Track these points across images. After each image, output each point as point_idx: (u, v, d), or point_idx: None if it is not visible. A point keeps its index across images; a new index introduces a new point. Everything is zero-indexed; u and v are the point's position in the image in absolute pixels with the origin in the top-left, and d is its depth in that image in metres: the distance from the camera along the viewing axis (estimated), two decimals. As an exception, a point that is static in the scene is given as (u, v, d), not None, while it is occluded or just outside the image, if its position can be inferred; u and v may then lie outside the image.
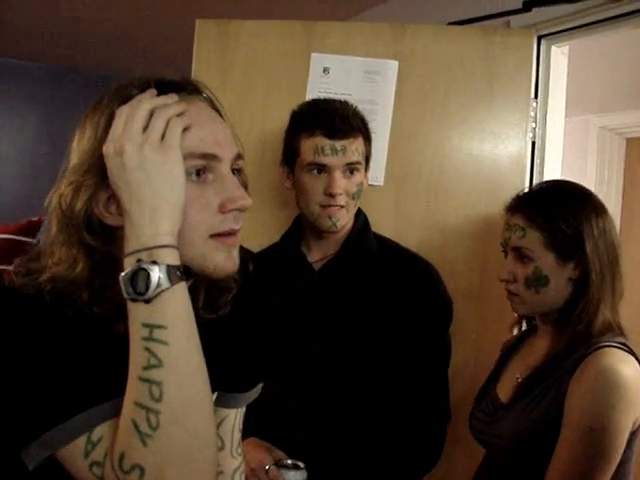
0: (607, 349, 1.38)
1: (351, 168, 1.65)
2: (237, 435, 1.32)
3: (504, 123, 2.03)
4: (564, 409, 1.37)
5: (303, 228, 1.77)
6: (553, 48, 2.13)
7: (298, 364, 1.68)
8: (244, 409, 1.32)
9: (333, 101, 1.72)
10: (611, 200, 3.62)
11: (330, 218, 1.65)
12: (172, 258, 0.88)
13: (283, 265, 1.76)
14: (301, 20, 2.10)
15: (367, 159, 1.71)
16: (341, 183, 1.63)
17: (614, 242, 1.49)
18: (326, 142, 1.62)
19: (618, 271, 1.49)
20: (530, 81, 2.05)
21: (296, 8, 2.94)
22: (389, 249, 1.77)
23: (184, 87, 0.99)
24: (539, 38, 2.12)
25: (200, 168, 0.94)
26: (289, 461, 1.54)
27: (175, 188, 0.89)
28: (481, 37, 2.04)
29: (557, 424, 1.38)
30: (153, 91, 0.94)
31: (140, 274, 0.87)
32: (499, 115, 2.03)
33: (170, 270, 0.87)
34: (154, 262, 0.87)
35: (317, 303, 1.71)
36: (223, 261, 0.97)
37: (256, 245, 1.77)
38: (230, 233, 0.97)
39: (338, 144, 1.62)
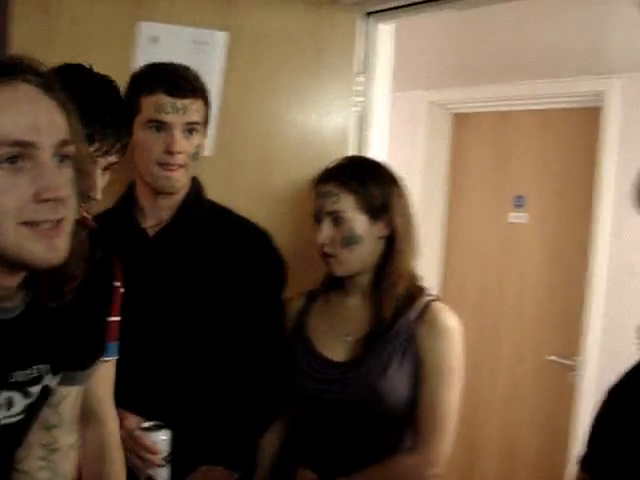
0: (437, 303, 1.68)
1: (190, 128, 1.67)
2: (75, 412, 1.32)
3: (330, 96, 2.08)
4: (421, 359, 1.63)
5: (137, 193, 1.75)
6: (380, 25, 2.19)
7: (137, 333, 1.66)
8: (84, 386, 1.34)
9: (174, 64, 1.73)
10: (438, 170, 3.81)
11: (169, 178, 1.66)
12: None
13: (116, 231, 1.73)
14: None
15: (206, 122, 1.73)
16: (181, 142, 1.64)
17: (410, 207, 1.74)
18: (167, 100, 1.63)
19: (415, 231, 1.72)
20: (356, 56, 2.10)
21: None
22: (222, 214, 1.81)
23: (5, 67, 0.95)
24: (366, 15, 2.16)
25: (14, 155, 0.90)
26: (151, 423, 1.56)
27: None
28: (309, 11, 2.08)
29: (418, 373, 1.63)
30: None
31: None
32: (325, 88, 2.09)
33: None
34: None
35: (152, 270, 1.71)
36: (42, 251, 0.94)
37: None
38: (47, 223, 0.94)
39: (179, 102, 1.64)
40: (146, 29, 2.00)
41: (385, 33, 2.22)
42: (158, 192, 1.70)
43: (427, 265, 1.81)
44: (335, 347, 1.71)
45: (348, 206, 1.65)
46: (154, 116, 1.64)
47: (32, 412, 1.17)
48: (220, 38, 2.01)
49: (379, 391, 1.61)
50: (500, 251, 3.64)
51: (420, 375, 1.63)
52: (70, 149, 0.98)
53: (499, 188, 3.65)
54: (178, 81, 1.65)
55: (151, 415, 1.59)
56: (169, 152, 1.64)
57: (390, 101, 2.28)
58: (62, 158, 0.97)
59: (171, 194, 1.70)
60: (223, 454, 1.68)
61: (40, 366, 1.14)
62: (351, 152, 2.12)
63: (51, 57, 1.90)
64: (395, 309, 1.66)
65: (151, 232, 1.73)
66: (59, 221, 0.96)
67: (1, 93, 0.92)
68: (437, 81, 3.67)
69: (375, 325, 1.67)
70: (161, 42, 2.00)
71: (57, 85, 1.00)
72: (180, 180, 1.68)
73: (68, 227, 0.98)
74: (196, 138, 1.69)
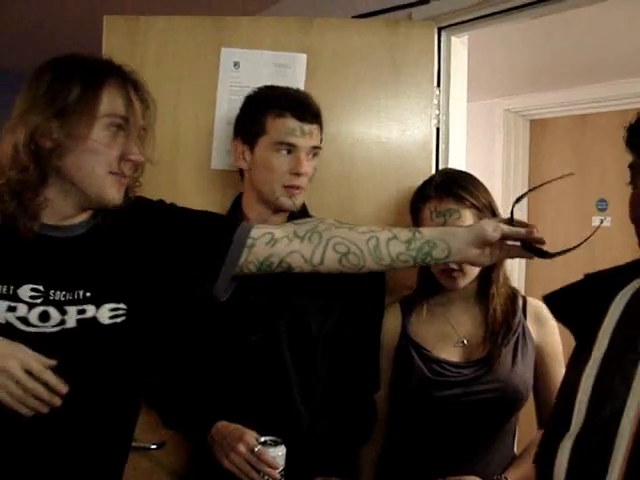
0: (530, 298, 1.83)
1: (314, 152, 1.76)
2: None
3: (409, 111, 2.12)
4: (537, 349, 1.77)
5: (246, 208, 1.83)
6: (453, 39, 2.23)
7: (252, 348, 1.73)
8: None
9: (296, 89, 1.84)
10: (518, 178, 3.79)
11: (291, 197, 1.74)
12: None
13: None
14: (210, 15, 2.13)
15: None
16: (305, 164, 1.72)
17: None
18: (296, 124, 1.71)
19: None
20: (432, 70, 2.14)
21: (205, 2, 2.95)
22: None
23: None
24: (439, 29, 2.20)
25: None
26: (268, 438, 1.59)
27: None
28: (384, 29, 2.12)
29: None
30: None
31: None
32: (404, 104, 2.12)
33: None
34: None
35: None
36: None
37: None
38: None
39: (306, 127, 1.73)
40: (228, 55, 2.08)
41: (458, 46, 2.26)
42: (276, 210, 1.78)
43: (509, 272, 1.83)
44: (452, 352, 1.76)
45: (469, 220, 1.69)
46: (285, 139, 1.71)
47: (76, 347, 1.35)
48: (300, 60, 2.08)
49: (514, 385, 1.69)
50: (584, 255, 3.58)
51: (539, 364, 1.77)
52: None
53: (581, 192, 3.61)
54: (306, 106, 1.74)
55: (265, 430, 1.62)
56: (297, 174, 1.72)
57: (466, 112, 2.30)
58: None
59: (287, 211, 1.78)
60: (333, 465, 1.73)
61: (81, 292, 1.35)
62: (433, 164, 2.16)
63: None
64: (504, 308, 1.75)
65: None
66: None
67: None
68: (513, 88, 3.67)
69: (492, 326, 1.74)
70: (243, 67, 2.08)
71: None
72: (299, 200, 1.76)
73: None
74: (314, 161, 1.77)
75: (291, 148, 1.72)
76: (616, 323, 1.07)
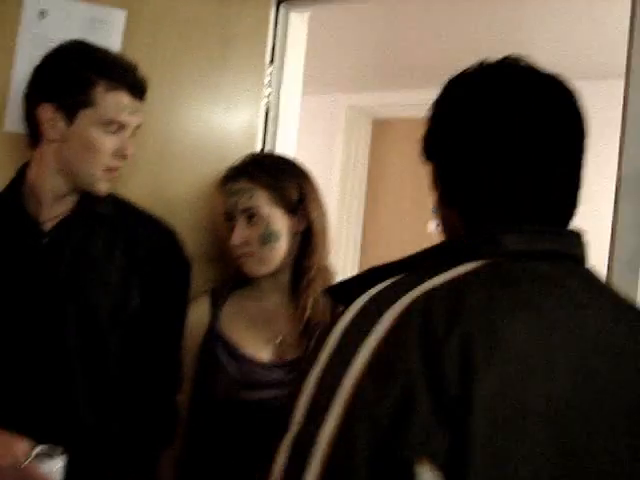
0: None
1: (135, 131, 1.57)
2: None
3: (237, 88, 1.96)
4: None
5: (37, 180, 1.56)
6: (292, 14, 2.09)
7: (17, 338, 1.51)
8: None
9: (119, 54, 1.64)
10: (358, 177, 3.72)
11: (109, 181, 1.54)
12: None
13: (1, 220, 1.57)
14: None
15: None
16: (131, 145, 1.54)
17: (323, 201, 1.73)
18: (130, 101, 1.52)
19: (329, 226, 1.72)
20: (266, 46, 2.00)
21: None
22: (127, 209, 1.67)
23: None
24: (278, 3, 2.06)
25: None
26: (45, 447, 1.34)
27: None
28: (216, -2, 1.94)
29: None
30: None
31: None
32: (232, 80, 1.95)
33: None
34: None
35: (46, 265, 1.53)
36: None
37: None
38: None
39: (136, 104, 1.54)
40: (32, 2, 1.81)
41: (298, 22, 2.13)
42: (81, 189, 1.56)
43: (343, 273, 1.72)
44: (265, 351, 1.64)
45: (263, 201, 1.61)
46: (116, 117, 1.50)
47: None
48: (118, 16, 1.84)
49: None
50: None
51: None
52: None
53: (419, 196, 3.60)
54: (139, 81, 1.54)
55: (41, 436, 1.37)
56: (122, 156, 1.53)
57: (300, 92, 2.18)
58: None
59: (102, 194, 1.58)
60: (128, 471, 1.55)
61: None
62: (259, 146, 2.01)
63: None
64: (320, 304, 1.63)
65: (47, 226, 1.55)
66: None
67: None
68: (356, 84, 3.60)
69: (306, 323, 1.63)
70: (51, 17, 1.82)
71: None
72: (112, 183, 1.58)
73: None
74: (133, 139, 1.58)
75: (120, 127, 1.52)
76: (345, 327, 0.93)
